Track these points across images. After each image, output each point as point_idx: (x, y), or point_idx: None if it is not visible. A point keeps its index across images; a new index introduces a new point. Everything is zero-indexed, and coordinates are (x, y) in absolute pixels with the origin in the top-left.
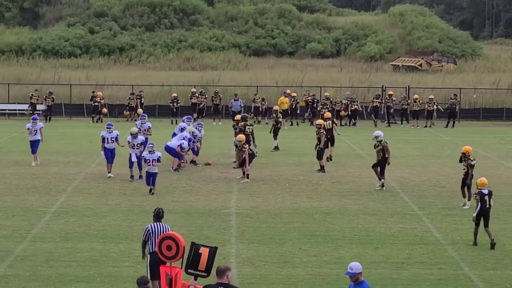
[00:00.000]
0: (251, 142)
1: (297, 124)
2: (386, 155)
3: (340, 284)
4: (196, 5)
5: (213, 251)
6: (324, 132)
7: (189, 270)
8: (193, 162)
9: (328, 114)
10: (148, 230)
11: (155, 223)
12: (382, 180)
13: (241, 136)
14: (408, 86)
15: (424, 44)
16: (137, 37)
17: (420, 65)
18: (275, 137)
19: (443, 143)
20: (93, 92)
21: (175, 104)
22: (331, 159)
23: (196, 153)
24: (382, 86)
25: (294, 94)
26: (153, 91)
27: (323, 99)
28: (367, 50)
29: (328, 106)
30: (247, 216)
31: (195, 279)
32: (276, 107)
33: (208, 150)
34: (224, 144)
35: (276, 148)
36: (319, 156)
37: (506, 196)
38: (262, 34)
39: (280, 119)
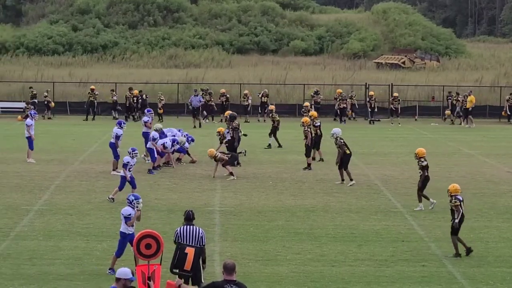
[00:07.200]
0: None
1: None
2: (347, 151)
3: (324, 281)
4: (180, 2)
5: (198, 251)
6: (309, 130)
7: (174, 270)
8: (178, 159)
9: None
10: (177, 233)
11: (184, 226)
12: (343, 182)
13: (211, 151)
14: (391, 83)
15: (407, 41)
16: (120, 35)
17: (403, 62)
18: (274, 136)
19: (426, 140)
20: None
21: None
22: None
23: (183, 151)
24: (366, 83)
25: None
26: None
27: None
28: (350, 47)
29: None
30: (231, 214)
31: (180, 277)
32: (271, 107)
33: (192, 148)
34: (208, 142)
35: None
36: (307, 153)
37: (489, 193)
38: (246, 31)
39: (277, 118)
